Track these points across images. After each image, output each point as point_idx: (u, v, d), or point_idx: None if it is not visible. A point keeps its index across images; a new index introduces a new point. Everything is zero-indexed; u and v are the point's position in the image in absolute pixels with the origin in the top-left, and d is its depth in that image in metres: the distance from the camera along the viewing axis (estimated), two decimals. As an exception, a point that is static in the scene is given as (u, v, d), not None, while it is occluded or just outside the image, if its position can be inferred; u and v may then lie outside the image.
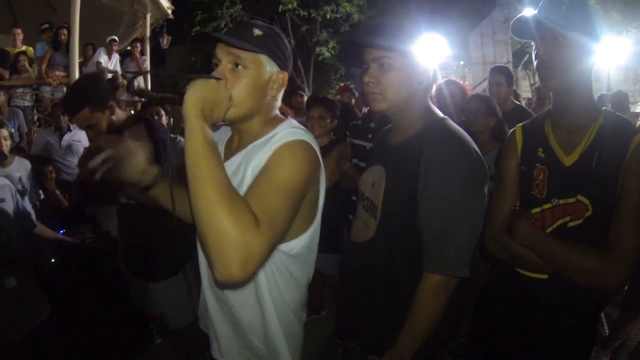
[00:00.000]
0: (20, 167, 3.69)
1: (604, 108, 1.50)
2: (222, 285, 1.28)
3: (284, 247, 1.29)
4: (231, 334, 1.43)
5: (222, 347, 1.46)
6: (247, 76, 1.24)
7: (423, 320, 1.46)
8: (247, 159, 1.30)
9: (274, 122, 1.35)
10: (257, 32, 1.26)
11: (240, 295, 1.35)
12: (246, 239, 0.98)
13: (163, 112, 4.18)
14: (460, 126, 1.55)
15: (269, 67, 1.28)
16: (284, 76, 1.32)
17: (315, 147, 1.28)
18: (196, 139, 1.04)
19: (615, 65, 14.96)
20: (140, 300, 2.69)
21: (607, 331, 3.16)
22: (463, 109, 3.17)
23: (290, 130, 1.28)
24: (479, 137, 2.90)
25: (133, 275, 2.62)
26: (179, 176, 1.29)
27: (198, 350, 2.16)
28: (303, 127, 1.36)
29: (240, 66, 1.24)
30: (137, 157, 1.33)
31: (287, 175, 1.15)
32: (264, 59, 1.27)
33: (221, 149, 1.43)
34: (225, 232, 0.96)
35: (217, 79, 1.18)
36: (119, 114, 2.37)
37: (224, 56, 1.24)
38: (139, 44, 8.19)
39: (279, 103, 1.39)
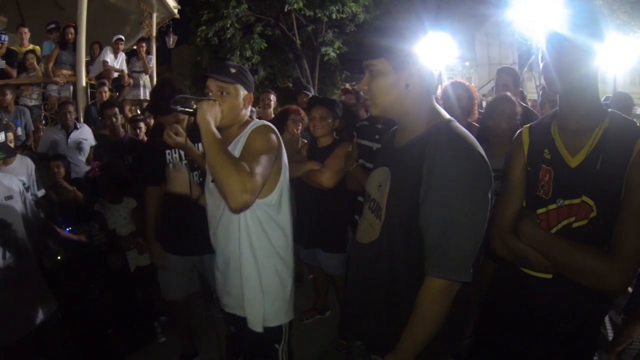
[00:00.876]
0: (22, 166, 3.71)
1: (609, 110, 1.50)
2: (235, 210, 1.77)
3: (266, 200, 1.93)
4: (225, 279, 2.04)
5: (226, 299, 2.07)
6: (230, 99, 1.95)
7: (424, 325, 1.45)
8: (236, 147, 1.93)
9: (246, 124, 2.01)
10: (232, 70, 1.96)
11: (228, 235, 1.97)
12: (243, 177, 1.61)
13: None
14: (468, 129, 1.54)
15: (242, 92, 1.99)
16: (250, 96, 2.04)
17: (274, 129, 1.97)
18: (209, 133, 1.73)
19: (622, 67, 14.89)
20: (175, 282, 3.05)
21: (610, 335, 3.15)
22: (487, 110, 3.14)
23: (256, 122, 2.00)
24: (497, 140, 2.84)
25: (180, 255, 2.98)
26: None
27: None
28: (265, 120, 2.08)
29: (224, 93, 1.94)
30: (184, 180, 2.17)
31: (259, 145, 1.85)
32: (239, 86, 1.97)
33: None
34: (231, 175, 1.60)
35: (214, 100, 1.87)
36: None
37: (214, 86, 1.94)
38: (144, 43, 8.18)
39: (248, 113, 2.06)
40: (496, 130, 2.91)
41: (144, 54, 7.89)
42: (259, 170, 1.71)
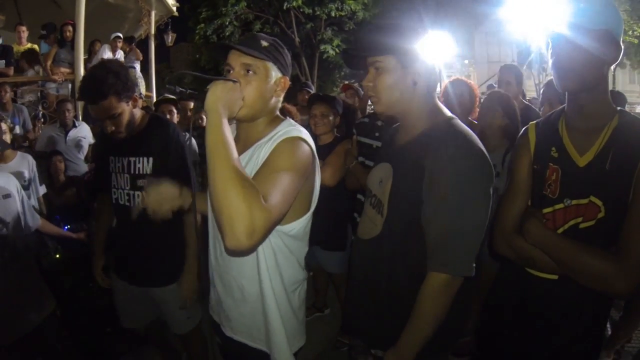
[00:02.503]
0: (23, 163, 3.69)
1: (619, 109, 1.48)
2: (231, 252, 1.47)
3: (285, 228, 1.48)
4: (234, 307, 1.62)
5: (231, 323, 1.65)
6: (257, 80, 1.46)
7: (426, 320, 1.45)
8: (256, 154, 1.49)
9: (275, 122, 1.56)
10: (264, 43, 1.49)
11: (242, 266, 1.54)
12: (253, 212, 1.14)
13: (175, 111, 4.21)
14: (469, 126, 1.54)
15: (274, 73, 1.50)
16: (285, 80, 1.55)
17: (310, 143, 1.48)
18: (217, 130, 1.24)
19: (621, 65, 14.91)
20: (129, 309, 2.53)
21: (609, 332, 3.15)
22: (480, 107, 3.15)
23: (289, 129, 1.49)
24: (488, 133, 2.89)
25: (128, 283, 2.42)
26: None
27: (204, 344, 2.45)
28: (300, 126, 1.55)
29: (251, 72, 1.45)
30: (168, 198, 1.61)
31: (287, 164, 1.35)
32: (270, 65, 1.49)
33: None
34: (236, 206, 1.13)
35: (234, 81, 1.38)
36: (136, 112, 2.30)
37: (237, 63, 1.45)
38: (133, 44, 8.23)
39: (279, 105, 1.59)
40: (489, 127, 2.92)
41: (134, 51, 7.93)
42: (277, 200, 1.25)
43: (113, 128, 2.18)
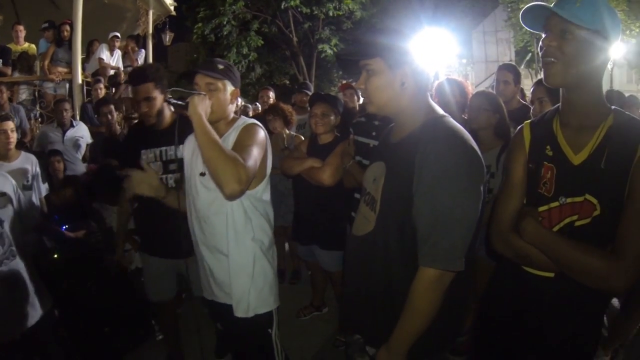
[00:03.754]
0: (26, 162, 3.70)
1: (613, 107, 1.49)
2: (229, 197, 1.86)
3: (252, 192, 2.04)
4: (219, 265, 2.08)
5: (221, 286, 2.09)
6: (218, 94, 2.01)
7: (417, 315, 1.46)
8: (225, 142, 1.97)
9: (233, 120, 2.12)
10: (220, 66, 2.04)
11: (216, 227, 2.03)
12: (238, 168, 1.73)
13: None
14: (462, 124, 1.55)
15: (229, 87, 2.06)
16: (237, 91, 2.12)
17: (261, 126, 2.10)
18: (202, 124, 1.82)
19: (619, 65, 14.95)
20: (158, 283, 2.95)
21: (607, 330, 3.16)
22: (467, 106, 3.15)
23: (246, 119, 2.12)
24: (480, 134, 2.89)
25: (159, 257, 2.86)
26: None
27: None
28: (250, 118, 2.19)
29: (212, 88, 2.00)
30: (153, 183, 2.11)
31: (251, 139, 1.97)
32: (226, 82, 2.04)
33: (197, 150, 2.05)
34: (227, 165, 1.72)
35: (204, 94, 1.94)
36: (167, 108, 2.76)
37: (202, 83, 2.00)
38: (133, 42, 8.19)
39: (234, 108, 2.15)
40: (474, 125, 2.93)
41: (131, 53, 7.89)
42: (251, 162, 1.84)
43: (146, 110, 2.66)
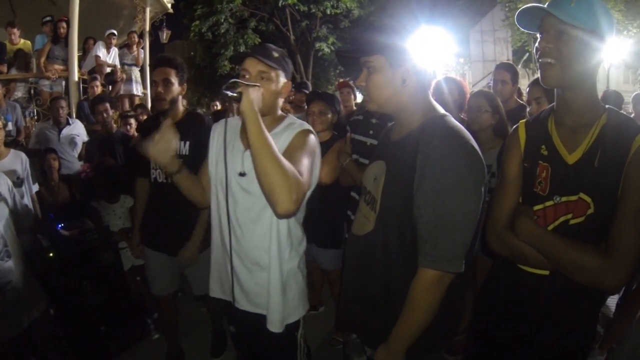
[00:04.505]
0: (16, 160, 3.66)
1: (607, 106, 1.50)
2: (281, 216, 1.69)
3: None
4: (250, 278, 1.88)
5: (248, 296, 1.90)
6: (270, 84, 1.79)
7: (416, 315, 1.46)
8: (274, 141, 1.69)
9: (280, 117, 1.91)
10: (275, 54, 1.81)
11: (259, 239, 1.84)
12: (297, 185, 1.50)
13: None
14: (461, 123, 1.55)
15: (282, 79, 1.84)
16: (289, 85, 1.89)
17: (315, 134, 1.88)
18: (258, 125, 1.53)
19: (616, 65, 14.99)
20: (159, 277, 2.97)
21: (602, 328, 3.17)
22: (466, 106, 3.15)
23: (300, 122, 1.90)
24: (480, 134, 2.88)
25: (161, 252, 2.87)
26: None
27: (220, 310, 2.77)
28: (303, 121, 1.94)
29: (265, 77, 1.78)
30: (170, 148, 1.81)
31: (307, 150, 1.75)
32: (280, 72, 1.82)
33: (236, 136, 1.92)
34: (284, 181, 1.47)
35: (258, 86, 1.68)
36: (181, 101, 2.82)
37: (254, 70, 1.77)
38: (136, 35, 8.13)
39: (281, 104, 1.94)
40: (475, 126, 2.92)
41: (135, 47, 7.83)
42: (307, 177, 1.65)
43: (162, 91, 2.65)
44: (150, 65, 7.63)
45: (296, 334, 1.97)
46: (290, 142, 1.78)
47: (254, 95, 1.59)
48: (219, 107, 7.14)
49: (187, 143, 2.70)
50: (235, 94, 1.58)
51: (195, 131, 2.67)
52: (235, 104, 1.60)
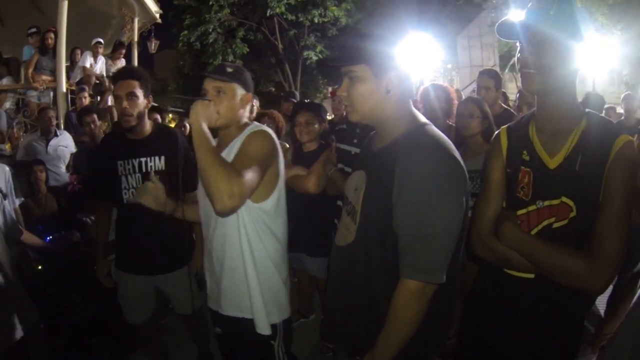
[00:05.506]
0: None
1: (587, 110, 1.52)
2: (219, 213, 1.77)
3: (260, 205, 1.90)
4: (226, 279, 1.97)
5: (226, 298, 1.99)
6: (227, 98, 1.91)
7: (399, 326, 1.46)
8: (232, 151, 1.89)
9: (243, 127, 1.98)
10: (229, 69, 1.95)
11: (229, 241, 1.93)
12: (231, 180, 1.60)
13: (159, 117, 4.48)
14: (446, 130, 1.56)
15: (239, 91, 1.95)
16: (249, 96, 1.99)
17: (271, 133, 1.94)
18: (199, 132, 1.71)
19: (601, 68, 15.14)
20: (134, 303, 2.80)
21: (593, 327, 3.20)
22: (455, 112, 3.17)
23: (253, 126, 1.96)
24: (469, 140, 2.91)
25: (137, 275, 2.73)
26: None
27: (204, 327, 2.99)
28: (263, 125, 2.03)
29: (221, 92, 1.90)
30: (160, 197, 2.05)
31: (254, 149, 1.83)
32: (236, 86, 1.93)
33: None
34: (219, 177, 1.60)
35: (209, 100, 1.84)
36: (147, 115, 2.67)
37: (210, 87, 1.91)
38: (123, 50, 8.11)
39: (247, 114, 2.03)
40: (466, 132, 2.95)
41: (118, 60, 7.83)
42: (249, 175, 1.70)
43: (127, 106, 2.49)
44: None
45: (272, 342, 1.99)
46: (241, 145, 1.87)
47: (201, 109, 1.78)
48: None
49: (162, 158, 2.62)
50: (179, 110, 1.85)
51: (167, 144, 2.58)
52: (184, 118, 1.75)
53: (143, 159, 2.60)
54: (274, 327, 1.98)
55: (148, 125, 2.66)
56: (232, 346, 2.14)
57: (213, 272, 2.03)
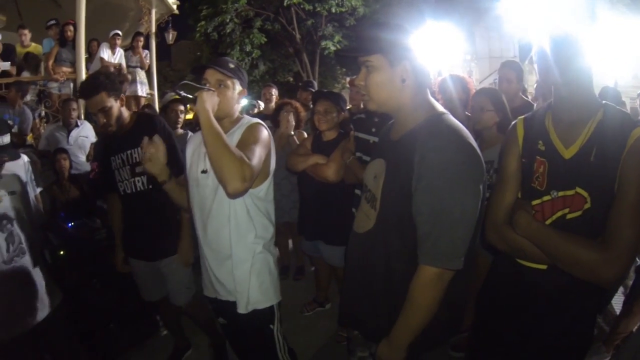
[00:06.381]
0: (17, 163, 3.67)
1: (604, 102, 1.51)
2: (232, 195, 1.84)
3: (255, 191, 2.02)
4: (220, 266, 2.07)
5: (222, 284, 2.09)
6: (227, 91, 2.03)
7: (417, 312, 1.48)
8: (230, 139, 1.89)
9: (237, 119, 2.12)
10: (231, 65, 2.07)
11: (220, 228, 2.02)
12: (243, 165, 1.72)
13: (183, 108, 4.48)
14: (464, 121, 1.56)
15: (237, 87, 2.08)
16: (244, 91, 2.13)
17: (265, 126, 2.09)
18: (208, 119, 1.82)
19: (623, 61, 14.85)
20: (147, 284, 2.98)
21: (608, 325, 3.17)
22: (470, 104, 3.14)
23: (250, 119, 2.11)
24: (484, 132, 2.89)
25: (141, 260, 2.90)
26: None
27: (205, 315, 3.01)
28: (255, 117, 2.16)
29: (222, 85, 2.02)
30: (161, 157, 2.07)
31: (255, 138, 1.96)
32: (235, 81, 2.06)
33: (200, 147, 2.08)
34: (232, 162, 1.71)
35: (212, 90, 1.94)
36: (124, 111, 2.71)
37: (213, 79, 2.01)
38: (141, 38, 8.14)
39: (239, 108, 2.17)
40: (478, 125, 2.94)
41: (140, 49, 7.86)
42: (255, 160, 1.83)
43: (104, 120, 2.59)
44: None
45: (271, 326, 2.13)
46: (241, 135, 2.00)
47: (207, 98, 1.87)
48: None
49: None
50: (189, 96, 1.87)
51: (149, 133, 2.50)
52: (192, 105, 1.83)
53: (128, 152, 2.68)
54: (270, 309, 2.11)
55: (128, 119, 2.73)
56: (234, 333, 2.26)
57: (209, 257, 2.11)
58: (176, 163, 2.49)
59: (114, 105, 2.60)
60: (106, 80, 2.57)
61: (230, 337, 2.30)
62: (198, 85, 1.92)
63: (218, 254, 2.07)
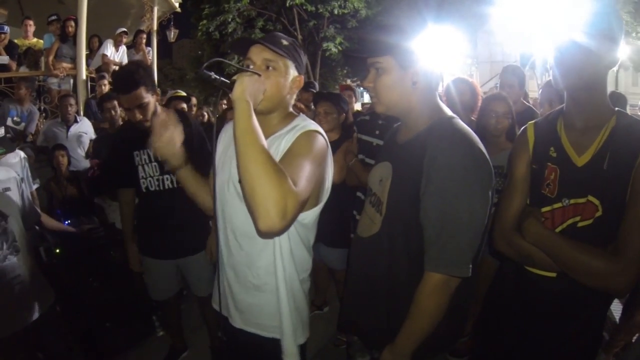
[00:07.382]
0: (14, 158, 3.66)
1: (617, 109, 1.49)
2: (263, 234, 1.40)
3: (300, 217, 1.46)
4: (247, 297, 1.66)
5: (244, 315, 1.68)
6: (277, 75, 1.51)
7: (422, 319, 1.45)
8: (274, 145, 1.53)
9: (289, 117, 1.62)
10: (285, 42, 1.54)
11: (259, 256, 1.59)
12: (286, 195, 1.19)
13: (185, 106, 4.40)
14: (470, 125, 1.54)
15: (292, 71, 1.56)
16: (301, 79, 1.60)
17: (325, 136, 1.57)
18: (246, 117, 1.29)
19: (624, 67, 14.91)
20: (160, 284, 2.95)
21: (608, 333, 3.15)
22: (480, 108, 3.11)
23: (307, 123, 1.58)
24: (492, 138, 2.87)
25: (160, 259, 2.84)
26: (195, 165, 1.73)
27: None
28: (313, 122, 1.63)
29: (271, 67, 1.50)
30: (175, 138, 1.57)
31: (309, 153, 1.43)
32: (289, 63, 1.54)
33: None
34: (270, 188, 1.18)
35: (258, 74, 1.42)
36: (159, 106, 2.58)
37: (258, 58, 1.50)
38: (144, 35, 8.14)
39: (293, 101, 1.64)
40: (488, 129, 2.91)
41: (143, 46, 7.85)
42: (303, 185, 1.32)
43: (141, 117, 2.44)
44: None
45: (282, 356, 1.66)
46: (291, 144, 1.49)
47: (250, 84, 1.36)
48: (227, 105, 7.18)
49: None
50: (226, 80, 1.37)
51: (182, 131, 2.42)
52: (228, 91, 1.37)
53: None
54: (300, 347, 1.69)
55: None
56: (240, 357, 1.83)
57: (231, 280, 1.70)
58: (200, 167, 1.85)
59: (151, 100, 2.47)
60: (144, 74, 2.43)
61: (231, 353, 1.88)
62: (237, 66, 1.51)
63: (246, 282, 1.64)
